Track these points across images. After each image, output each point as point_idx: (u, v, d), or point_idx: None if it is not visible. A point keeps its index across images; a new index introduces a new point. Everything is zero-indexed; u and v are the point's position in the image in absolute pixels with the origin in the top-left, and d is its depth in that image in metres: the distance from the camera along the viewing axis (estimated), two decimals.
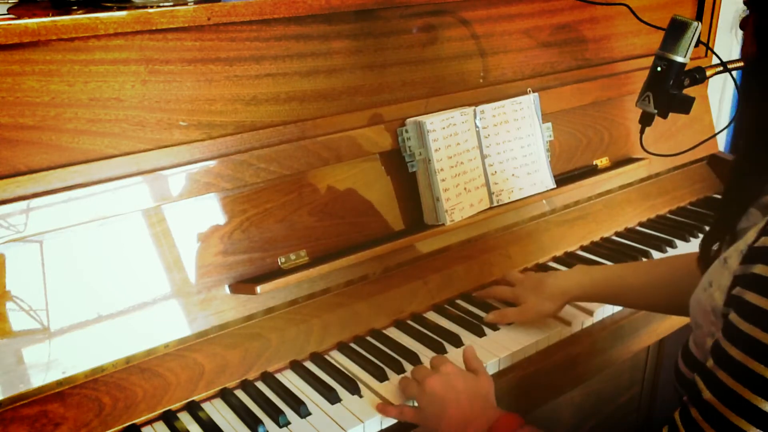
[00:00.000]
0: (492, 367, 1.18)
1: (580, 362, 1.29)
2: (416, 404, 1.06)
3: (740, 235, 0.84)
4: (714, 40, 1.94)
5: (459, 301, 1.37)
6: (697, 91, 1.52)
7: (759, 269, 0.74)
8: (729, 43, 2.69)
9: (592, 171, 1.67)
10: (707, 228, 1.65)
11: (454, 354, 1.20)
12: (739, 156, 0.92)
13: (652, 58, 1.31)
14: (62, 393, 1.02)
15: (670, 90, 1.30)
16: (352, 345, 1.24)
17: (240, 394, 1.12)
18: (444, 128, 1.35)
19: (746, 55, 0.90)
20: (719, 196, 1.86)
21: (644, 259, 1.50)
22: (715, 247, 0.92)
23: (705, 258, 0.93)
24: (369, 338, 1.26)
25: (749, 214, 0.88)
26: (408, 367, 1.17)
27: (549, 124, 1.55)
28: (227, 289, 1.17)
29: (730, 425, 0.73)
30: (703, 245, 0.94)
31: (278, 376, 1.17)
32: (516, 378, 1.19)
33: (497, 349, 1.21)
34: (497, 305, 1.34)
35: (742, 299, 0.75)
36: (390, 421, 1.08)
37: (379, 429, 1.07)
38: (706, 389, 0.76)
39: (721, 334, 0.77)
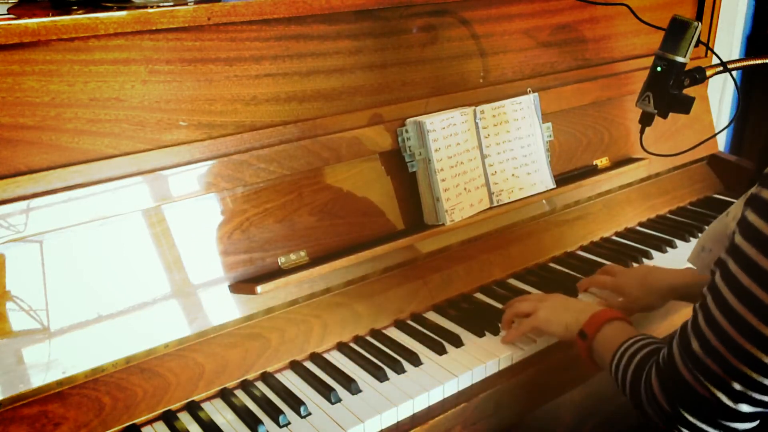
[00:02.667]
0: (492, 367, 1.18)
1: (580, 362, 1.29)
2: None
3: None
4: (714, 40, 1.94)
5: (459, 301, 1.37)
6: (697, 91, 1.52)
7: (755, 189, 0.80)
8: (729, 43, 2.69)
9: (592, 171, 1.67)
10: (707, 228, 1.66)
11: (454, 354, 1.20)
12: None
13: (652, 58, 1.31)
14: (62, 393, 1.02)
15: (670, 90, 1.30)
16: (352, 345, 1.24)
17: (240, 394, 1.12)
18: (444, 128, 1.35)
19: None
20: (719, 196, 1.86)
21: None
22: None
23: None
24: (369, 338, 1.26)
25: None
26: (408, 367, 1.17)
27: (549, 124, 1.55)
28: (227, 289, 1.17)
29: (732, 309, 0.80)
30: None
31: (278, 376, 1.17)
32: (516, 378, 1.19)
33: (497, 349, 1.21)
34: (496, 305, 1.33)
35: (744, 216, 0.81)
36: (390, 421, 1.08)
37: (380, 429, 1.07)
38: (720, 276, 0.83)
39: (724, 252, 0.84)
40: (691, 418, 0.86)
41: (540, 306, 1.20)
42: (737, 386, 0.81)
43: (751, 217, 0.79)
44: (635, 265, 1.49)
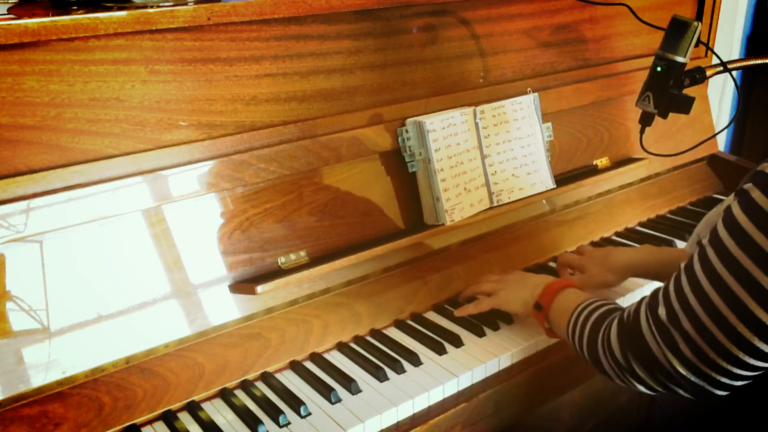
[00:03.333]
0: (492, 367, 1.18)
1: (580, 362, 1.29)
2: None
3: None
4: (714, 40, 1.94)
5: (459, 301, 1.37)
6: (697, 91, 1.52)
7: (747, 186, 0.84)
8: (729, 43, 2.70)
9: (592, 171, 1.67)
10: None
11: (454, 354, 1.20)
12: None
13: (652, 58, 1.31)
14: (62, 393, 1.02)
15: (670, 90, 1.30)
16: (352, 345, 1.24)
17: (240, 394, 1.12)
18: (444, 128, 1.35)
19: None
20: (719, 196, 1.86)
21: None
22: None
23: None
24: (369, 338, 1.26)
25: None
26: (408, 367, 1.17)
27: (549, 124, 1.55)
28: (227, 289, 1.17)
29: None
30: None
31: (278, 376, 1.17)
32: (516, 378, 1.19)
33: (497, 349, 1.21)
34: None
35: (728, 209, 0.86)
36: (390, 421, 1.08)
37: (380, 429, 1.07)
38: (697, 259, 0.88)
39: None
40: (640, 372, 0.93)
41: (500, 287, 1.26)
42: (691, 357, 0.86)
43: (736, 209, 0.84)
44: None
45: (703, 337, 0.85)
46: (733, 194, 0.91)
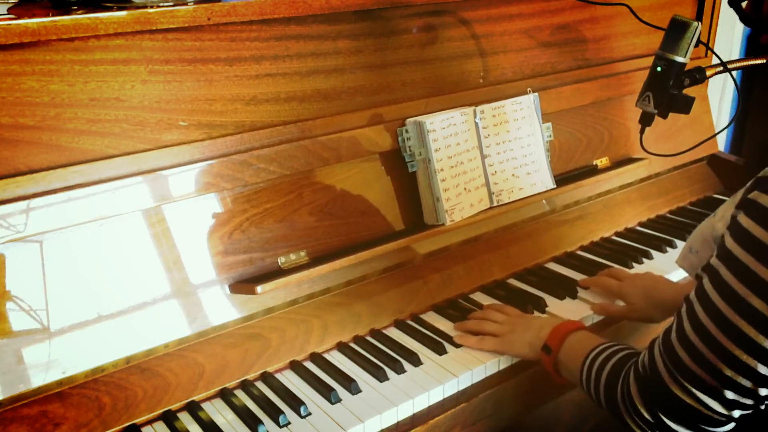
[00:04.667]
0: (492, 367, 1.18)
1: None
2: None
3: None
4: (714, 40, 1.94)
5: (459, 301, 1.37)
6: (697, 91, 1.52)
7: (753, 195, 0.79)
8: (729, 43, 2.69)
9: (592, 171, 1.67)
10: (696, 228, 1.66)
11: (454, 354, 1.20)
12: None
13: (652, 58, 1.31)
14: (62, 393, 1.02)
15: (670, 90, 1.30)
16: (352, 345, 1.24)
17: (240, 394, 1.12)
18: (444, 128, 1.35)
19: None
20: (719, 196, 1.86)
21: None
22: None
23: None
24: (369, 338, 1.26)
25: None
26: (408, 367, 1.17)
27: (549, 124, 1.55)
28: (227, 289, 1.17)
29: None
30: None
31: (278, 376, 1.17)
32: (516, 378, 1.19)
33: None
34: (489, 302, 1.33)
35: (722, 243, 0.81)
36: (390, 421, 1.08)
37: (380, 429, 1.07)
38: (708, 281, 0.82)
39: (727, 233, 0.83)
40: (675, 426, 0.86)
41: (504, 330, 1.20)
42: (730, 395, 0.80)
43: (747, 223, 0.78)
44: (636, 266, 1.50)
45: (740, 371, 0.78)
46: (732, 202, 0.89)
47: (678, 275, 1.47)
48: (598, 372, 0.96)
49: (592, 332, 1.18)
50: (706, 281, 0.82)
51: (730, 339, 0.78)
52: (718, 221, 0.92)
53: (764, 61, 1.39)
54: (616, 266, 1.47)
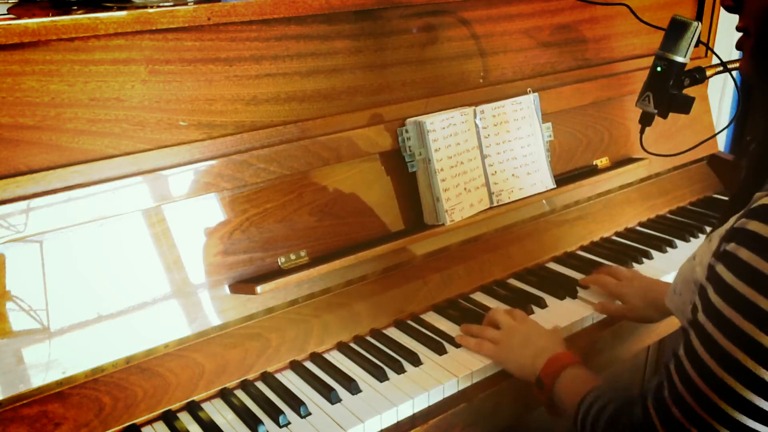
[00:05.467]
0: (492, 367, 1.18)
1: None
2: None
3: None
4: (714, 40, 1.94)
5: (459, 301, 1.37)
6: (697, 91, 1.52)
7: (753, 226, 0.76)
8: (729, 43, 2.69)
9: (592, 171, 1.67)
10: (708, 228, 1.65)
11: (454, 354, 1.20)
12: (752, 160, 0.92)
13: (652, 58, 1.31)
14: (62, 393, 1.02)
15: (670, 90, 1.30)
16: (352, 345, 1.24)
17: (240, 394, 1.12)
18: (444, 128, 1.35)
19: (743, 72, 0.93)
20: (719, 196, 1.86)
21: None
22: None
23: None
24: (369, 338, 1.26)
25: None
26: (408, 367, 1.17)
27: (549, 124, 1.55)
28: (227, 289, 1.17)
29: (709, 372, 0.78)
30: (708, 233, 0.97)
31: (278, 376, 1.17)
32: (516, 378, 1.19)
33: None
34: (495, 305, 1.33)
35: (714, 270, 0.79)
36: (390, 421, 1.08)
37: (380, 429, 1.07)
38: (696, 338, 0.80)
39: (697, 296, 0.82)
40: None
41: (503, 338, 1.18)
42: None
43: (744, 254, 0.76)
44: (636, 266, 1.49)
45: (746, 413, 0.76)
46: (711, 242, 0.86)
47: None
48: (593, 425, 0.93)
49: (593, 333, 1.18)
50: (693, 337, 0.80)
51: (713, 391, 0.77)
52: (697, 265, 0.89)
53: None
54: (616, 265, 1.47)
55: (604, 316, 1.33)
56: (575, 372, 1.06)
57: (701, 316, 0.80)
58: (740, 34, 0.91)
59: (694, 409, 0.79)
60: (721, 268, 0.78)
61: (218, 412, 1.08)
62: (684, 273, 0.95)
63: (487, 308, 1.33)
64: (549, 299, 1.36)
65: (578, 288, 1.39)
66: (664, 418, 0.82)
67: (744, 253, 0.76)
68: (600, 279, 1.37)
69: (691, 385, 0.79)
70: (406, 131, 1.33)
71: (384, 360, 1.18)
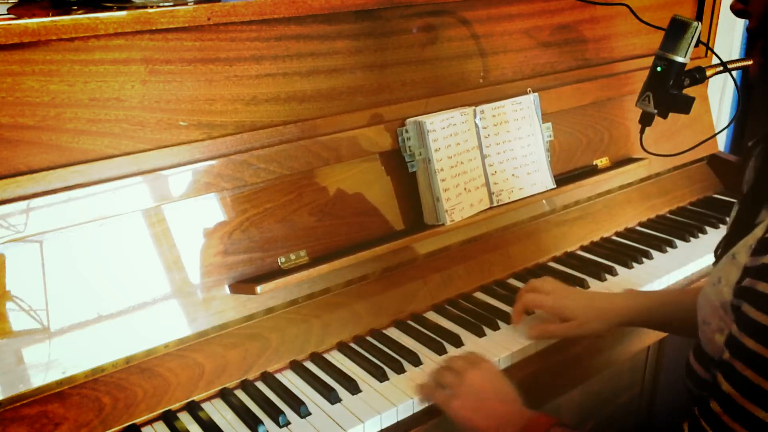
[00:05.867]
0: None
1: (580, 362, 1.29)
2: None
3: (749, 232, 0.85)
4: (714, 40, 1.94)
5: (459, 301, 1.37)
6: (697, 91, 1.52)
7: None
8: (729, 43, 2.69)
9: (592, 171, 1.67)
10: (707, 228, 1.65)
11: (453, 354, 1.20)
12: (760, 162, 0.90)
13: (652, 58, 1.31)
14: (62, 393, 1.02)
15: (670, 90, 1.30)
16: (352, 345, 1.24)
17: (240, 394, 1.12)
18: (444, 128, 1.35)
19: (752, 72, 0.91)
20: (719, 196, 1.86)
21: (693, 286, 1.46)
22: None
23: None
24: (369, 338, 1.26)
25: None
26: (408, 367, 1.17)
27: (549, 124, 1.55)
28: (227, 289, 1.17)
29: (750, 416, 0.74)
30: (724, 245, 0.93)
31: (278, 376, 1.17)
32: (516, 378, 1.18)
33: (497, 349, 1.21)
34: (495, 305, 1.33)
35: (755, 290, 0.76)
36: (390, 421, 1.08)
37: (380, 429, 1.07)
38: (725, 381, 0.77)
39: (735, 326, 0.78)
40: None
41: (457, 384, 1.02)
42: None
43: (753, 312, 0.74)
44: (636, 266, 1.49)
45: None
46: (728, 263, 0.83)
47: (678, 276, 1.47)
48: None
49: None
50: (727, 354, 0.78)
51: (749, 400, 0.74)
52: (723, 286, 0.85)
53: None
54: (617, 266, 1.47)
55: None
56: None
57: (739, 333, 0.76)
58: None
59: None
60: (763, 286, 0.74)
61: (218, 412, 1.08)
62: (710, 300, 0.88)
63: (487, 306, 1.33)
64: None
65: (513, 322, 1.28)
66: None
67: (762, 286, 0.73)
68: (529, 300, 1.23)
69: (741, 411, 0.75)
70: (406, 131, 1.33)
71: (384, 360, 1.18)
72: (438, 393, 1.05)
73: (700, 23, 1.27)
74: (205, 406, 1.09)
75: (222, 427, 1.04)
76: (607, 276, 1.44)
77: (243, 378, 1.14)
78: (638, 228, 1.69)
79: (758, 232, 0.80)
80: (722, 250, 0.92)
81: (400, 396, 1.10)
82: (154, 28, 1.05)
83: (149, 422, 1.06)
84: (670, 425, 0.87)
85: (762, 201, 0.87)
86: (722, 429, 0.77)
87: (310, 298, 1.25)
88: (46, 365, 1.01)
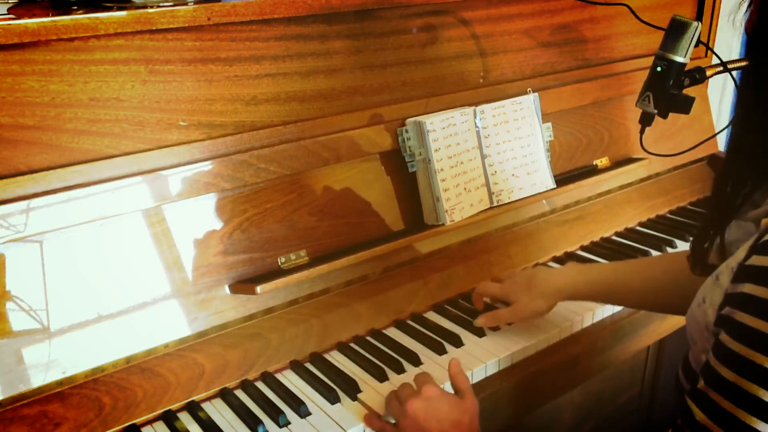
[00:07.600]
0: (492, 367, 1.18)
1: (580, 362, 1.29)
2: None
3: (732, 249, 0.83)
4: (714, 40, 1.94)
5: (459, 301, 1.37)
6: (697, 91, 1.52)
7: (748, 288, 0.73)
8: (729, 43, 2.69)
9: (592, 171, 1.67)
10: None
11: (454, 354, 1.20)
12: (730, 151, 0.88)
13: (652, 58, 1.31)
14: (62, 393, 1.02)
15: (670, 90, 1.29)
16: (352, 345, 1.24)
17: (240, 394, 1.12)
18: (444, 128, 1.35)
19: (750, 26, 0.88)
20: None
21: (639, 257, 1.49)
22: (706, 245, 0.91)
23: (696, 258, 0.92)
24: (369, 338, 1.26)
25: (741, 225, 0.87)
26: (408, 367, 1.17)
27: (549, 124, 1.55)
28: (227, 289, 1.17)
29: None
30: (693, 245, 0.93)
31: (278, 376, 1.17)
32: (516, 378, 1.19)
33: (497, 349, 1.21)
34: (496, 305, 1.34)
35: (732, 318, 0.74)
36: (390, 420, 1.07)
37: None
38: (699, 411, 0.76)
39: (711, 354, 0.76)
40: None
41: (402, 420, 0.99)
42: None
43: (728, 340, 0.73)
44: None
45: None
46: (711, 286, 0.82)
47: None
48: None
49: (594, 332, 1.14)
50: (702, 383, 0.76)
51: (724, 430, 0.73)
52: (708, 307, 0.83)
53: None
54: None
55: (610, 313, 1.29)
56: None
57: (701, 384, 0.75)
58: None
59: None
60: (741, 316, 0.73)
61: (218, 412, 1.09)
62: (696, 319, 0.87)
63: (488, 305, 1.33)
64: None
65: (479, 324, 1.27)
66: None
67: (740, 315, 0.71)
68: (481, 287, 1.28)
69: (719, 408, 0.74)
70: (406, 131, 1.33)
71: (384, 360, 1.18)
72: (387, 427, 1.03)
73: (700, 23, 1.27)
74: (205, 406, 1.09)
75: (222, 427, 1.04)
76: None
77: (243, 378, 1.14)
78: (638, 228, 1.69)
79: (740, 253, 0.78)
80: (695, 247, 0.90)
81: (384, 411, 1.09)
82: (154, 28, 1.05)
83: (149, 422, 1.06)
84: (670, 425, 0.88)
85: (735, 197, 0.84)
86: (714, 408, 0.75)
87: (310, 298, 1.25)
88: (46, 365, 1.01)
